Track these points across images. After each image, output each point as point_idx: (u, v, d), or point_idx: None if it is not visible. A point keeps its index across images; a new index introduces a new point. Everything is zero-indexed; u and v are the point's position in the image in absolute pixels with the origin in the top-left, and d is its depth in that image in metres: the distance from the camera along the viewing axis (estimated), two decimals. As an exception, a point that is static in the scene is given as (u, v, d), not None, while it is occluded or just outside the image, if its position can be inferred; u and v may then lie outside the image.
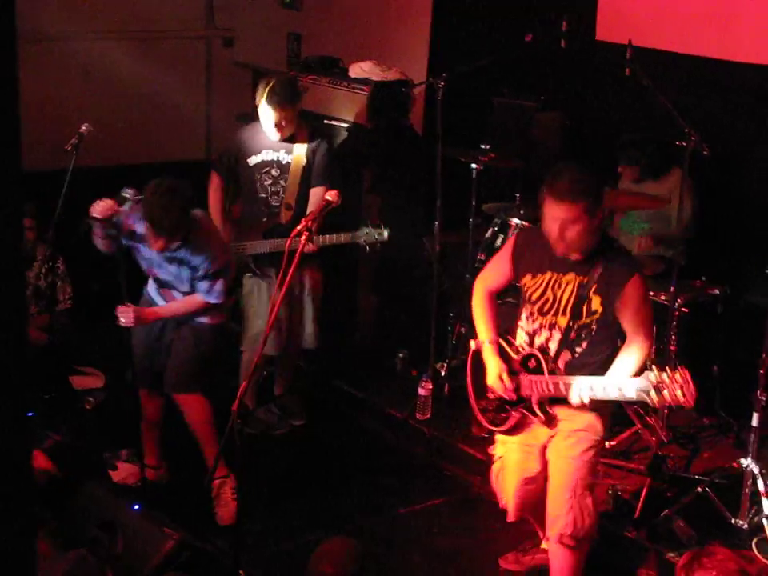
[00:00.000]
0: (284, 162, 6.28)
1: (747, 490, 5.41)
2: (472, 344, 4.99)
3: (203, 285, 5.51)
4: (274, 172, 6.30)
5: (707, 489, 5.52)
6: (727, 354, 6.49)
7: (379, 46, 8.18)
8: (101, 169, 8.00)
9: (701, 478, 5.70)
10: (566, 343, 4.67)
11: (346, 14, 8.73)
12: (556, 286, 4.68)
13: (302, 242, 4.31)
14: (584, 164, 4.84)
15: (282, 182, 6.28)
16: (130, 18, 9.03)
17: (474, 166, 6.68)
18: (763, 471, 5.41)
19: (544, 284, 4.72)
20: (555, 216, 4.49)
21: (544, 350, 4.72)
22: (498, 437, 5.05)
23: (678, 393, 4.15)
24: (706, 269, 6.60)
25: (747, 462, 5.42)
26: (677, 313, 6.07)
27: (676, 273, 5.79)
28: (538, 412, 4.69)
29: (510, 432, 4.92)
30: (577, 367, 4.66)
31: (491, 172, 6.85)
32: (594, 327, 4.63)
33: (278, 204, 6.30)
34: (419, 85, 7.23)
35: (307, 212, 5.88)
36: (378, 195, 7.05)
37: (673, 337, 6.06)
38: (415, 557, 5.52)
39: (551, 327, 4.71)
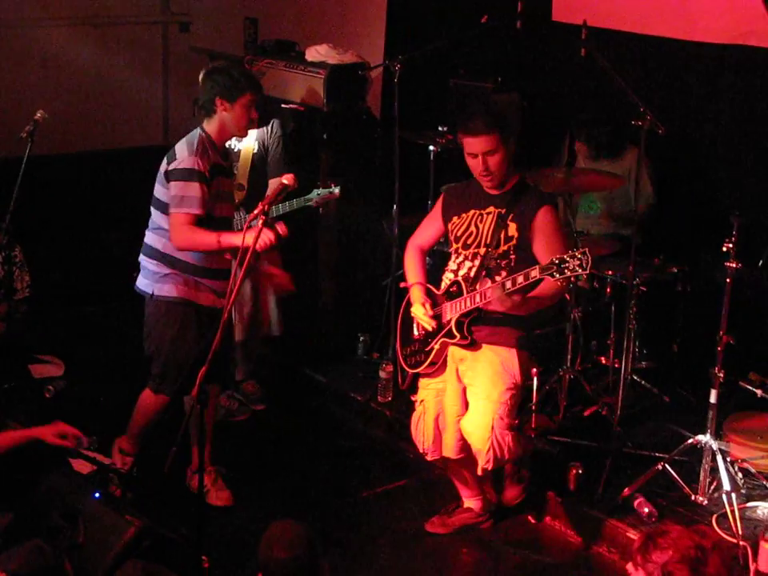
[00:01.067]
0: (234, 150, 6.28)
1: (706, 466, 5.46)
2: (402, 284, 5.43)
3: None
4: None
5: (667, 466, 5.56)
6: (686, 332, 6.54)
7: (335, 29, 8.16)
8: (58, 156, 7.96)
9: (661, 455, 5.74)
10: (486, 270, 5.03)
11: (302, -2, 8.72)
12: (478, 220, 5.15)
13: (260, 225, 4.30)
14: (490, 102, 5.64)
15: (233, 168, 6.25)
16: (85, 4, 8.97)
17: (431, 147, 6.69)
18: (722, 448, 5.45)
19: (468, 220, 5.18)
20: (476, 150, 5.02)
21: (466, 278, 5.07)
22: (421, 382, 5.34)
23: (578, 268, 4.44)
24: (664, 247, 6.64)
25: (706, 439, 5.46)
26: (635, 291, 6.10)
27: (633, 252, 5.80)
28: (456, 332, 5.02)
29: (432, 371, 5.24)
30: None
31: (449, 154, 6.84)
32: (513, 256, 5.03)
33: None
34: (375, 68, 7.21)
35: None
36: (336, 179, 7.02)
37: (632, 316, 6.09)
38: (379, 539, 5.52)
39: (473, 258, 5.11)
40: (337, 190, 6.05)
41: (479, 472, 5.24)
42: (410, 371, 5.33)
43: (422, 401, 5.33)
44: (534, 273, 4.62)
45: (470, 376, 5.17)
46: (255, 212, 4.31)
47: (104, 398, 6.47)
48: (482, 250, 5.08)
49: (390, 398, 6.57)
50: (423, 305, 5.16)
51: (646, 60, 7.03)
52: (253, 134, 6.24)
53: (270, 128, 6.33)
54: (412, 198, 6.85)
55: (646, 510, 5.38)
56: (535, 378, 6.14)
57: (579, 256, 4.44)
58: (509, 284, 4.76)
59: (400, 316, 5.49)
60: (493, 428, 5.06)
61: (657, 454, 5.80)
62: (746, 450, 5.70)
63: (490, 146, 5.00)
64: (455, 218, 5.25)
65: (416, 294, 5.27)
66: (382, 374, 6.57)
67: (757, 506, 5.43)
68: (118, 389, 5.81)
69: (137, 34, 9.36)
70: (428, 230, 5.49)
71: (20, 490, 4.88)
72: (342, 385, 6.90)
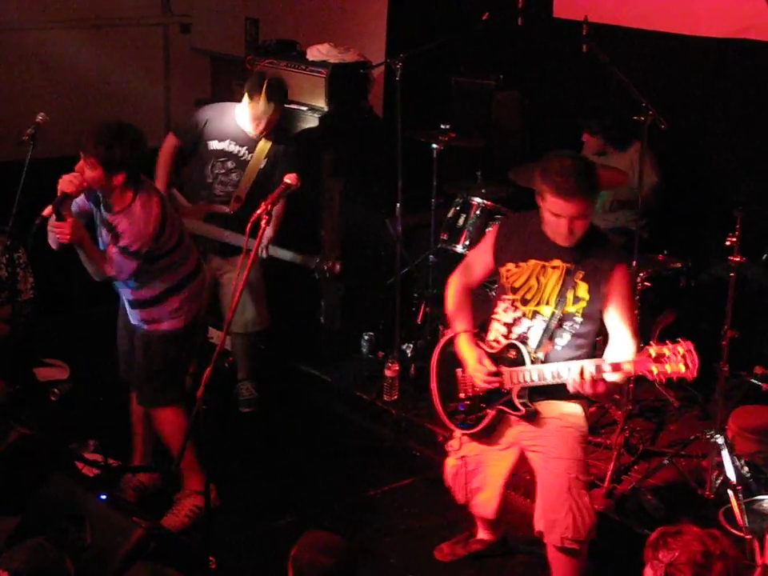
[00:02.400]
0: (242, 158, 6.32)
1: (712, 460, 5.46)
2: (440, 337, 4.88)
3: (115, 254, 5.14)
4: (229, 164, 6.34)
5: (673, 460, 5.56)
6: (690, 328, 6.52)
7: (337, 28, 8.16)
8: (60, 159, 7.94)
9: (667, 450, 5.74)
10: (548, 333, 4.51)
11: (303, -3, 8.72)
12: (541, 274, 4.54)
13: (263, 226, 4.29)
14: (575, 153, 4.79)
15: (233, 175, 6.33)
16: (85, 6, 8.96)
17: (434, 146, 6.67)
18: (728, 442, 5.45)
19: (528, 272, 4.57)
20: (563, 213, 4.37)
21: (525, 339, 4.57)
22: (462, 436, 4.90)
23: (681, 365, 4.05)
24: (667, 243, 6.64)
25: (711, 433, 5.45)
26: (639, 287, 6.10)
27: (637, 246, 5.80)
28: (519, 405, 4.54)
29: (482, 435, 4.77)
30: (557, 361, 4.50)
31: (452, 152, 6.84)
32: (579, 319, 4.49)
33: (221, 194, 6.32)
34: (377, 66, 7.20)
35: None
36: (339, 178, 7.03)
37: (636, 311, 6.07)
38: (386, 538, 5.53)
39: (533, 316, 4.56)
40: (338, 267, 6.31)
41: (556, 542, 4.59)
42: (459, 431, 4.84)
43: (463, 456, 4.90)
44: (629, 366, 4.22)
45: (531, 437, 4.65)
46: (258, 211, 4.30)
47: (108, 401, 6.47)
48: (545, 310, 4.52)
49: (395, 397, 6.57)
50: (480, 362, 4.62)
51: (647, 55, 7.04)
52: (264, 149, 6.27)
53: (282, 147, 6.35)
54: (415, 197, 6.84)
55: (653, 504, 5.38)
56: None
57: (683, 352, 4.05)
58: (595, 373, 4.27)
59: (435, 362, 4.95)
60: (570, 489, 4.53)
61: (663, 449, 5.80)
62: (752, 444, 5.70)
63: (579, 211, 4.36)
64: (511, 265, 4.62)
65: (466, 348, 4.68)
66: (387, 373, 6.56)
67: (763, 500, 5.42)
68: (122, 392, 5.80)
69: (138, 36, 9.35)
70: (477, 267, 4.84)
71: (26, 493, 4.89)
72: (348, 384, 6.90)
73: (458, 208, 6.66)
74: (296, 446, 6.41)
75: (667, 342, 4.14)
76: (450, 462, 4.98)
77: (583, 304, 4.47)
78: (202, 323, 6.52)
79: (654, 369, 4.09)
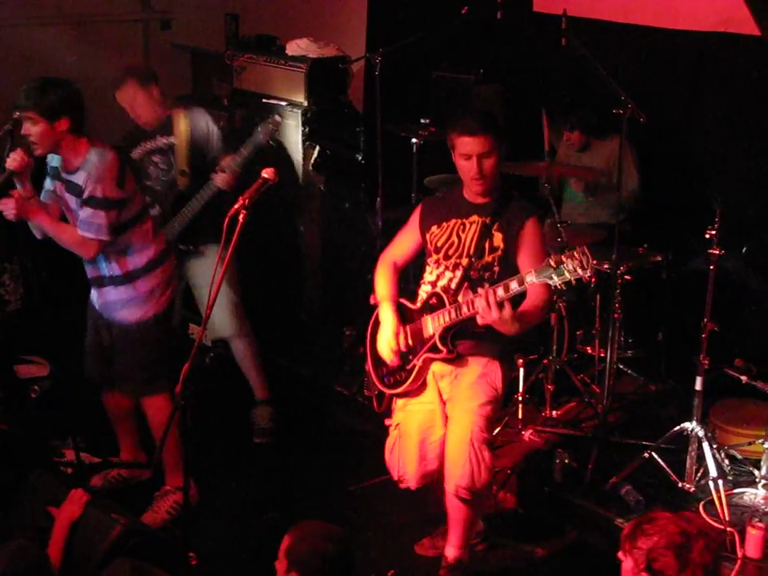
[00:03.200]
0: (161, 146, 6.18)
1: (693, 453, 5.46)
2: (371, 299, 5.10)
3: (83, 212, 5.08)
4: (155, 158, 6.20)
5: (654, 454, 5.56)
6: (671, 321, 6.55)
7: (316, 23, 8.15)
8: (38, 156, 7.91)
9: (648, 443, 5.75)
10: (468, 281, 4.78)
11: (283, -8, 8.70)
12: (460, 230, 4.89)
13: (241, 221, 4.26)
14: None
15: (162, 165, 6.19)
16: (65, 2, 8.92)
17: (414, 140, 6.68)
18: (708, 435, 5.46)
19: (449, 230, 4.92)
20: (471, 151, 4.76)
21: (448, 289, 4.82)
22: (398, 403, 5.06)
23: (578, 269, 4.20)
24: (648, 236, 6.65)
25: (692, 426, 5.47)
26: (620, 281, 6.11)
27: (617, 240, 5.80)
28: (441, 346, 4.76)
29: (412, 390, 4.96)
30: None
31: (432, 146, 6.83)
32: (496, 268, 4.78)
33: (159, 188, 6.18)
34: (357, 60, 7.20)
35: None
36: (319, 173, 7.02)
37: (617, 305, 6.09)
38: (367, 532, 5.52)
39: (455, 268, 4.85)
40: (277, 117, 6.14)
41: (452, 490, 4.79)
42: (389, 392, 5.04)
43: (397, 424, 5.03)
44: (531, 277, 4.33)
45: (449, 390, 4.91)
46: (236, 206, 4.27)
47: (89, 398, 6.45)
48: (465, 261, 4.82)
49: (376, 392, 6.54)
50: (396, 336, 4.88)
51: (626, 49, 7.04)
52: (179, 122, 6.13)
53: (194, 112, 6.21)
54: (395, 191, 6.83)
55: (634, 498, 5.39)
56: (521, 369, 6.14)
57: (578, 255, 4.17)
58: (501, 291, 4.45)
59: (369, 333, 5.15)
60: (471, 440, 4.73)
61: (644, 443, 5.81)
62: (732, 437, 5.72)
63: (486, 147, 4.75)
64: (434, 228, 4.97)
65: (385, 315, 4.96)
66: (367, 368, 6.53)
67: (743, 492, 5.44)
68: (101, 388, 5.80)
69: (118, 32, 9.31)
70: (404, 244, 5.16)
71: (5, 491, 4.87)
72: (328, 379, 6.89)
73: (438, 202, 6.66)
74: (276, 441, 6.40)
75: (565, 250, 4.29)
76: (390, 438, 5.07)
77: (499, 252, 4.79)
78: (180, 317, 6.52)
79: (555, 276, 4.24)
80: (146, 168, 6.20)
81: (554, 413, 6.26)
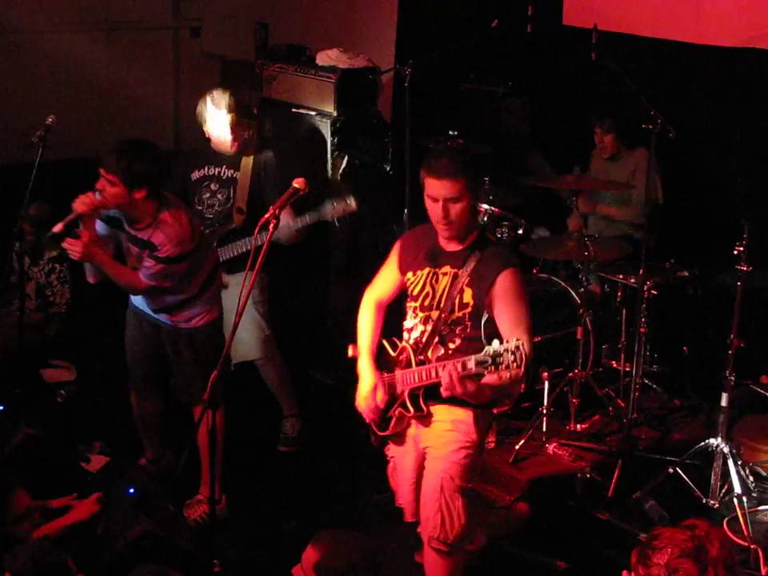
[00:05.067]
0: (224, 177, 6.20)
1: (717, 469, 5.45)
2: (350, 351, 4.90)
3: (155, 266, 5.22)
4: (212, 186, 6.21)
5: (678, 469, 5.56)
6: (697, 336, 6.54)
7: (346, 33, 8.18)
8: (68, 161, 7.96)
9: (672, 458, 5.74)
10: (437, 336, 4.56)
11: (314, 2, 8.74)
12: (434, 280, 4.61)
13: (271, 230, 4.30)
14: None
15: (218, 195, 6.20)
16: (96, 9, 9.00)
17: (442, 152, 6.67)
18: (733, 451, 5.45)
19: (423, 278, 4.65)
20: (438, 194, 4.46)
21: (417, 344, 4.62)
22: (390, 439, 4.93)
23: (513, 365, 3.98)
24: (675, 251, 6.65)
25: (717, 442, 5.46)
26: (646, 295, 6.10)
27: (644, 255, 5.81)
28: (409, 405, 4.58)
29: (395, 438, 4.82)
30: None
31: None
32: (468, 323, 4.52)
33: (210, 216, 6.19)
34: (386, 72, 7.23)
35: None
36: (347, 183, 7.05)
37: (643, 319, 6.09)
38: (392, 543, 5.51)
39: (426, 321, 4.62)
40: (353, 203, 6.02)
41: (425, 540, 4.66)
42: (379, 433, 4.85)
43: (391, 457, 4.96)
44: (470, 365, 4.15)
45: (424, 438, 4.69)
46: (266, 216, 4.31)
47: (114, 403, 6.49)
48: (435, 314, 4.58)
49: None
50: (373, 392, 4.69)
51: (656, 63, 7.04)
52: (249, 163, 6.20)
53: (267, 158, 6.23)
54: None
55: (657, 513, 5.38)
56: (546, 382, 6.14)
57: (513, 350, 3.97)
58: (460, 368, 4.22)
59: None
60: (442, 489, 4.55)
61: (668, 458, 5.80)
62: (758, 454, 5.71)
63: (454, 193, 4.42)
64: (410, 274, 4.71)
65: (362, 369, 4.78)
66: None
67: (768, 510, 5.44)
68: (128, 393, 5.83)
69: (148, 39, 9.39)
70: (387, 282, 4.90)
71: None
72: (353, 389, 6.88)
73: (465, 214, 6.66)
74: (302, 450, 6.43)
75: (506, 339, 4.11)
76: (389, 467, 5.02)
77: (469, 309, 4.51)
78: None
79: (492, 368, 4.06)
80: (202, 192, 6.22)
81: (578, 426, 6.26)
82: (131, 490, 4.90)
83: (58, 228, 5.13)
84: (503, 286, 4.45)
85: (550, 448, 6.08)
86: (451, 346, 4.53)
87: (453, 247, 4.59)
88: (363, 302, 4.94)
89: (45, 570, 3.75)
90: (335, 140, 7.11)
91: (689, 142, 6.49)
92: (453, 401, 4.49)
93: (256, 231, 4.35)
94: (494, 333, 4.41)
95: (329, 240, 7.27)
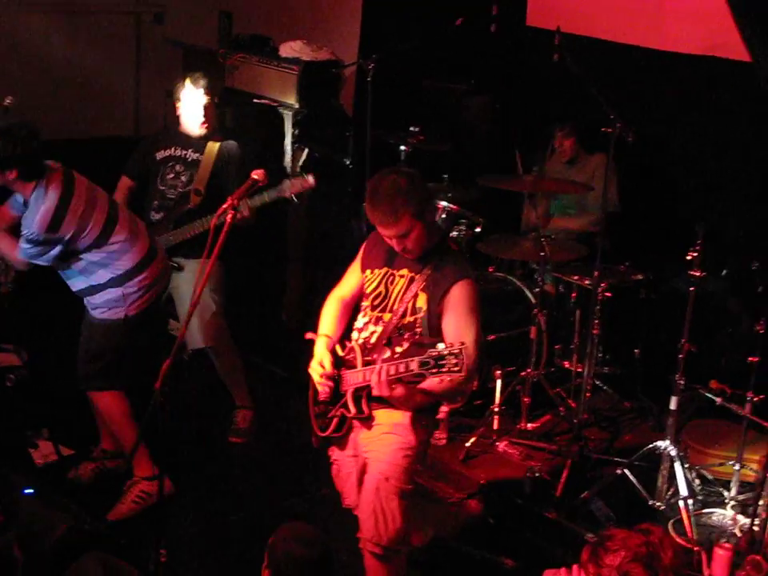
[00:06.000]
0: (188, 160, 6.23)
1: (665, 472, 5.50)
2: (308, 335, 4.83)
3: (21, 241, 5.39)
4: (177, 167, 6.25)
5: (626, 471, 5.60)
6: (649, 339, 6.59)
7: (310, 26, 8.17)
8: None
9: (620, 459, 5.79)
10: (386, 339, 4.54)
11: (278, -7, 8.72)
12: (389, 281, 4.59)
13: (228, 220, 4.29)
14: (396, 168, 4.76)
15: (182, 177, 6.23)
16: (57, -10, 8.92)
17: (402, 147, 6.71)
18: (681, 454, 5.50)
19: (379, 278, 4.63)
20: (387, 235, 4.46)
21: (366, 344, 4.59)
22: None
23: (453, 369, 4.00)
24: (629, 254, 6.69)
25: (665, 445, 5.50)
26: (600, 297, 6.14)
27: (599, 257, 5.86)
28: (351, 405, 4.55)
29: (338, 442, 4.77)
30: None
31: (420, 154, 6.86)
32: (418, 329, 4.49)
33: (172, 196, 6.23)
34: (349, 66, 7.24)
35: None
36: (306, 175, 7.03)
37: (596, 321, 6.13)
38: (340, 535, 5.49)
39: (377, 322, 4.59)
40: (310, 178, 6.01)
41: (360, 542, 4.63)
42: (320, 434, 4.79)
43: (335, 460, 4.89)
44: (413, 366, 4.15)
45: (364, 443, 4.65)
46: (224, 206, 4.30)
47: (64, 388, 6.44)
48: (387, 316, 4.55)
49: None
50: (321, 362, 4.63)
51: (617, 68, 7.08)
52: (213, 149, 6.21)
53: (230, 146, 6.26)
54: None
55: (604, 513, 5.42)
56: (499, 380, 6.17)
57: (456, 353, 3.99)
58: (393, 370, 4.26)
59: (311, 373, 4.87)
60: (377, 490, 4.52)
61: (616, 459, 5.85)
62: (704, 457, 5.77)
63: (401, 230, 4.37)
64: (368, 272, 4.69)
65: (318, 349, 4.69)
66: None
67: (712, 513, 5.49)
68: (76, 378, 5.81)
69: (110, 24, 9.31)
70: (350, 281, 4.84)
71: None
72: (306, 380, 6.87)
73: (423, 210, 6.66)
74: (250, 442, 6.42)
75: (450, 342, 4.16)
76: (332, 468, 4.96)
77: (421, 314, 4.48)
78: (161, 315, 6.49)
79: (434, 370, 4.07)
80: (166, 173, 6.26)
81: (529, 425, 6.29)
82: (28, 491, 4.85)
83: None
84: (456, 296, 4.42)
85: (501, 446, 6.11)
86: (398, 349, 4.50)
87: (414, 255, 4.55)
88: (328, 298, 4.87)
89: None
90: (296, 132, 7.11)
91: (647, 147, 6.54)
92: (392, 405, 4.50)
93: (213, 220, 4.34)
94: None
95: (285, 232, 7.25)
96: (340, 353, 4.70)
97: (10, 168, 5.23)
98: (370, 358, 4.53)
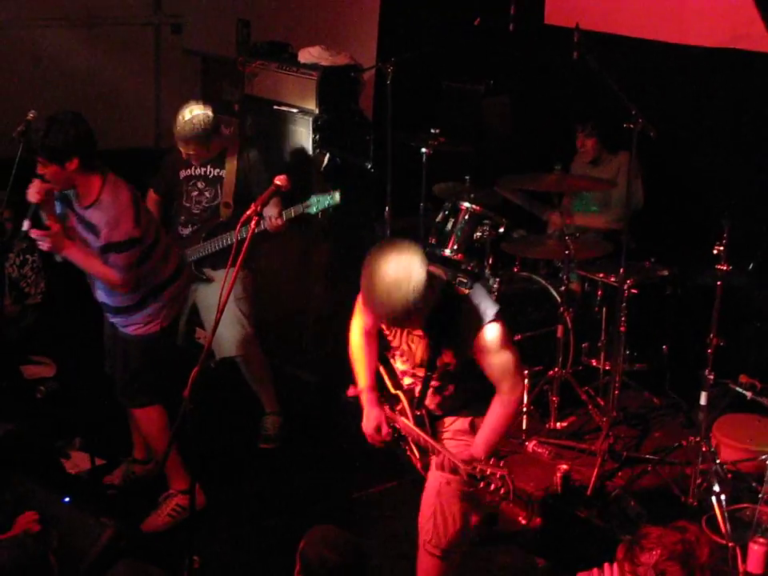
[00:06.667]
0: (210, 176, 6.20)
1: (696, 468, 5.47)
2: (350, 391, 4.79)
3: (102, 257, 5.12)
4: (200, 185, 6.21)
5: (657, 468, 5.57)
6: (676, 335, 6.56)
7: (328, 31, 8.17)
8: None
9: (651, 457, 5.77)
10: (430, 389, 4.50)
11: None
12: (409, 340, 4.46)
13: (252, 227, 4.29)
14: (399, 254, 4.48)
15: (206, 193, 6.20)
16: (77, 5, 8.95)
17: (423, 150, 6.70)
18: (712, 450, 5.47)
19: (398, 336, 4.50)
20: (387, 328, 4.45)
21: (412, 395, 4.57)
22: None
23: (494, 489, 4.02)
24: (655, 250, 6.67)
25: (696, 441, 5.47)
26: (626, 294, 6.12)
27: (624, 254, 5.84)
28: (417, 452, 4.61)
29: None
30: (450, 407, 4.56)
31: (441, 156, 6.86)
32: (456, 374, 4.44)
33: (197, 212, 6.21)
34: (368, 69, 7.24)
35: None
36: (328, 180, 7.05)
37: (623, 318, 6.10)
38: (371, 540, 5.52)
39: (413, 375, 4.55)
40: (338, 196, 6.01)
41: (420, 543, 4.62)
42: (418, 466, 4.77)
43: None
44: (461, 472, 4.15)
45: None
46: (248, 212, 4.30)
47: (95, 399, 6.47)
48: (420, 372, 4.47)
49: (381, 400, 6.55)
50: (377, 428, 4.59)
51: (638, 63, 7.06)
52: (233, 163, 6.17)
53: (251, 156, 6.21)
54: (404, 200, 6.86)
55: (636, 511, 5.40)
56: (526, 380, 6.15)
57: (500, 478, 4.00)
58: (453, 471, 4.24)
59: None
60: (439, 493, 4.51)
61: (647, 456, 5.82)
62: (736, 452, 5.72)
63: (398, 325, 4.30)
64: (384, 328, 4.52)
65: (367, 408, 4.63)
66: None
67: (746, 508, 5.45)
68: (109, 389, 5.81)
69: (129, 36, 9.35)
70: (368, 318, 4.62)
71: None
72: (334, 386, 6.89)
73: (446, 212, 6.65)
74: (280, 447, 6.42)
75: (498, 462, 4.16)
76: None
77: (451, 367, 4.41)
78: (188, 324, 6.52)
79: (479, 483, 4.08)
80: (189, 191, 6.23)
81: (557, 424, 6.27)
82: (66, 499, 4.86)
83: (26, 225, 5.13)
84: (484, 343, 4.27)
85: (530, 446, 6.10)
86: (446, 393, 4.50)
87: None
88: (352, 331, 4.75)
89: (27, 566, 3.73)
90: (317, 137, 7.11)
91: (670, 142, 6.51)
92: (449, 414, 4.56)
93: (238, 227, 4.36)
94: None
95: (311, 238, 7.26)
96: (392, 390, 4.66)
97: (69, 158, 4.99)
98: (419, 412, 4.53)
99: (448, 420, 4.62)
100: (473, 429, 4.58)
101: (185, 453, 5.45)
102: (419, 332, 4.37)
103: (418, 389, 4.56)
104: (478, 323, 4.27)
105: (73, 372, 6.84)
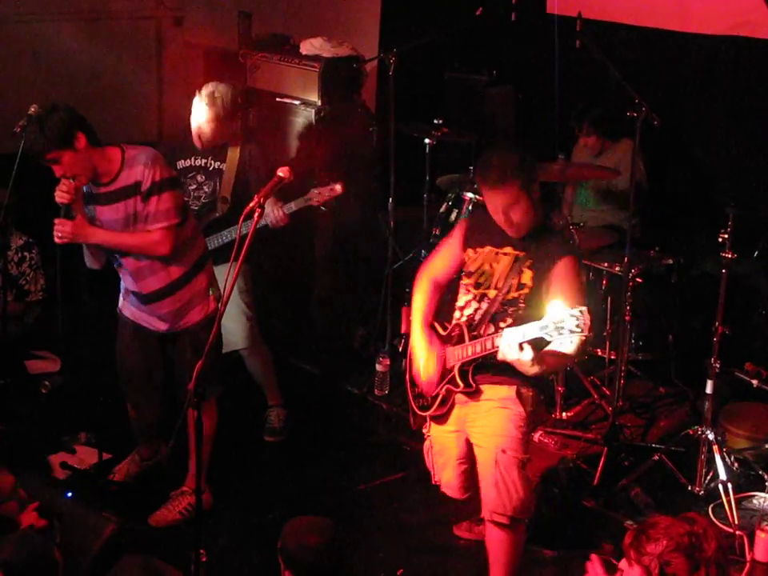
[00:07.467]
0: (210, 169, 6.16)
1: (703, 456, 5.47)
2: (402, 326, 4.98)
3: (149, 204, 5.05)
4: (199, 177, 6.17)
5: (663, 457, 5.57)
6: (682, 324, 6.55)
7: (330, 22, 8.14)
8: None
9: (657, 446, 5.76)
10: (490, 315, 4.61)
11: (297, -9, 8.71)
12: (494, 260, 4.66)
13: (256, 219, 4.28)
14: (508, 143, 4.85)
15: (204, 187, 6.16)
16: (79, -1, 8.96)
17: (427, 140, 6.69)
18: (718, 438, 5.47)
19: (482, 257, 4.70)
20: (496, 203, 4.54)
21: (471, 321, 4.68)
22: (431, 420, 4.95)
23: (575, 327, 4.00)
24: (659, 239, 6.66)
25: (703, 429, 5.47)
26: (631, 283, 6.11)
27: (629, 243, 5.82)
28: (459, 380, 4.63)
29: (438, 417, 4.85)
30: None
31: (444, 147, 6.84)
32: (522, 305, 4.56)
33: (196, 207, 6.11)
34: (370, 60, 7.21)
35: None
36: (331, 172, 7.03)
37: (628, 307, 6.09)
38: (377, 532, 5.53)
39: (480, 299, 4.67)
40: (338, 187, 6.00)
41: (487, 516, 4.71)
42: (420, 413, 4.94)
43: (429, 437, 4.99)
44: (532, 331, 4.16)
45: (471, 418, 4.75)
46: (251, 204, 4.29)
47: (100, 394, 6.47)
48: (491, 293, 4.62)
49: (386, 391, 6.56)
50: (428, 362, 4.74)
51: (641, 52, 7.05)
52: (235, 155, 6.14)
53: (252, 149, 6.18)
54: (407, 191, 6.85)
55: (643, 500, 5.39)
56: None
57: (577, 315, 4.00)
58: (519, 335, 4.25)
59: (408, 353, 4.99)
60: (496, 462, 4.61)
61: (653, 445, 5.82)
62: (742, 440, 5.72)
63: (509, 199, 4.48)
64: (470, 251, 4.75)
65: (417, 343, 4.81)
66: (378, 367, 6.55)
67: (753, 496, 5.45)
68: (113, 384, 5.80)
69: (131, 29, 9.33)
70: (445, 260, 4.92)
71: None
72: (338, 378, 6.90)
73: (449, 203, 6.67)
74: (286, 440, 6.42)
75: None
76: (425, 444, 5.06)
77: (526, 290, 4.56)
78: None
79: (554, 333, 4.07)
80: (188, 184, 6.16)
81: (563, 414, 6.27)
82: (68, 494, 4.85)
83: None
84: (562, 272, 4.50)
85: (536, 436, 6.08)
86: (502, 325, 4.55)
87: (521, 233, 4.62)
88: (420, 277, 4.95)
89: (32, 561, 3.72)
90: (319, 129, 7.09)
91: (673, 131, 6.51)
92: (497, 378, 4.63)
93: (241, 220, 4.33)
94: None
95: (313, 229, 7.25)
96: (442, 332, 4.80)
97: (75, 135, 4.95)
98: (475, 333, 4.61)
99: (493, 389, 4.66)
100: (520, 398, 4.65)
101: (186, 449, 5.44)
102: (508, 248, 4.61)
103: (480, 314, 4.64)
104: (563, 251, 4.57)
105: (76, 364, 6.83)
